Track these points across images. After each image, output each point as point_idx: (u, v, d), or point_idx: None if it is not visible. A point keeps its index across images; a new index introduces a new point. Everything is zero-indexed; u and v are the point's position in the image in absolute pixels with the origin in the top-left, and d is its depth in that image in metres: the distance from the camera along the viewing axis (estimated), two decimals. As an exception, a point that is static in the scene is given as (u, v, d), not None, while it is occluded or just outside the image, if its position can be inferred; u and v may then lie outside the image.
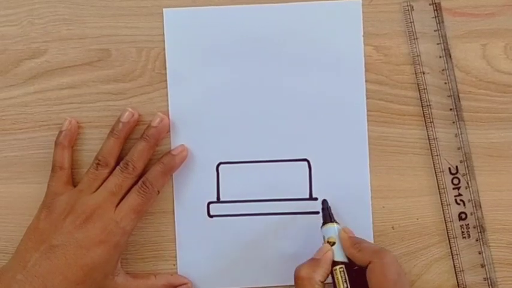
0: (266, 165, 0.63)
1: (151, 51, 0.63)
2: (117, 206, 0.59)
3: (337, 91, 0.62)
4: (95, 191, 0.60)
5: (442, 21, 0.61)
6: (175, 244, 0.63)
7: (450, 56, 0.61)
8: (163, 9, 0.62)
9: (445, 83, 0.61)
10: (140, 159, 0.61)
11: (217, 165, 0.63)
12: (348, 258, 0.58)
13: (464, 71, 0.62)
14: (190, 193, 0.63)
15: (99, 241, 0.58)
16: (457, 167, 0.61)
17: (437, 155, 0.61)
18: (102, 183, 0.60)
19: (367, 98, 0.62)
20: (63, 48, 0.63)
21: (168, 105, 0.63)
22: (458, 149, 0.61)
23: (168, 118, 0.62)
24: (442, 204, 0.62)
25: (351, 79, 0.62)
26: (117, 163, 0.61)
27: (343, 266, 0.57)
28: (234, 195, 0.63)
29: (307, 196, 0.63)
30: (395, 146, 0.62)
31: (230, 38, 0.62)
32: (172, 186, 0.63)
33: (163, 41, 0.62)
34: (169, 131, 0.62)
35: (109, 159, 0.61)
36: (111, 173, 0.61)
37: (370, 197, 0.62)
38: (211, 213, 0.63)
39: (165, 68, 0.63)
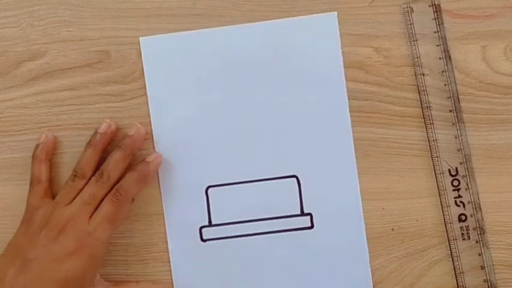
0: (255, 185, 0.63)
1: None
2: (91, 216, 0.59)
3: (319, 105, 0.62)
4: (70, 203, 0.60)
5: (442, 23, 0.61)
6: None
7: (450, 58, 0.61)
8: (140, 39, 0.62)
9: (445, 85, 0.61)
10: (115, 169, 0.60)
11: (206, 189, 0.63)
12: None
13: (464, 72, 0.62)
14: (181, 218, 0.63)
15: (72, 253, 0.57)
16: (456, 168, 0.61)
17: (437, 157, 0.61)
18: (77, 195, 0.60)
19: (367, 100, 0.62)
20: (63, 49, 0.63)
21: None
22: (458, 150, 0.61)
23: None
24: (441, 206, 0.62)
25: (332, 92, 0.62)
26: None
27: None
28: (225, 217, 0.63)
29: (299, 212, 0.62)
30: (395, 147, 0.62)
31: (208, 61, 0.62)
32: (164, 213, 0.63)
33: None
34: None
35: (86, 171, 0.60)
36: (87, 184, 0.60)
37: (361, 207, 0.62)
38: (204, 237, 0.63)
39: (165, 70, 0.63)
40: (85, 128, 0.63)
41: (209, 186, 0.63)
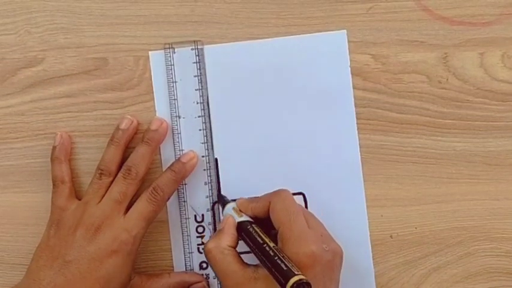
0: None
1: (149, 60, 0.63)
2: (125, 213, 0.59)
3: (327, 122, 0.62)
4: (100, 201, 0.59)
5: (204, 67, 0.62)
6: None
7: (208, 103, 0.61)
8: (149, 53, 0.62)
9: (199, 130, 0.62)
10: (142, 164, 0.60)
11: (213, 204, 0.62)
12: (253, 219, 0.57)
13: (462, 79, 0.62)
14: (187, 233, 0.62)
15: (112, 251, 0.58)
16: (203, 215, 0.62)
17: (184, 202, 0.60)
18: (105, 192, 0.60)
19: (364, 107, 0.62)
20: (61, 57, 0.63)
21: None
22: (207, 197, 0.62)
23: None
24: (184, 252, 0.62)
25: (340, 110, 0.62)
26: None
27: (249, 222, 0.57)
28: None
29: None
30: (393, 154, 0.62)
31: (216, 76, 0.62)
32: (169, 224, 0.63)
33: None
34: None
35: (111, 168, 0.60)
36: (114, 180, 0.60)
37: (367, 226, 0.62)
38: None
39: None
40: (82, 135, 0.63)
41: (215, 202, 0.62)
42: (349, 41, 0.62)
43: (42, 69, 0.63)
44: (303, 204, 0.62)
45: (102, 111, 0.63)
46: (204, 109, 0.62)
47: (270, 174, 0.62)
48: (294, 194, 0.62)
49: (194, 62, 0.62)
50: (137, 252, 0.60)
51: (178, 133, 0.62)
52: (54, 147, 0.62)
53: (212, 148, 0.62)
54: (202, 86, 0.62)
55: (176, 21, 0.63)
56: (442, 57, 0.62)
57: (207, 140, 0.62)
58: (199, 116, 0.62)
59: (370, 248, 0.62)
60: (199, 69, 0.62)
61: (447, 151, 0.62)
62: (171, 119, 0.62)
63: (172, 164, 0.61)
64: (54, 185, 0.61)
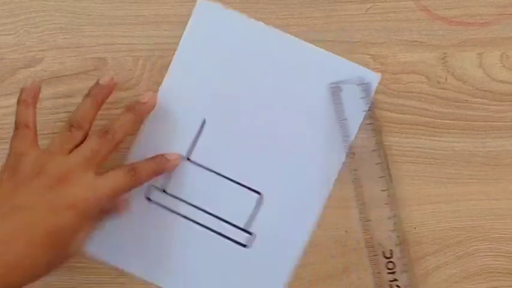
0: (221, 180, 0.62)
1: (148, 60, 0.63)
2: (95, 173, 0.55)
3: (311, 131, 0.62)
4: (67, 154, 0.56)
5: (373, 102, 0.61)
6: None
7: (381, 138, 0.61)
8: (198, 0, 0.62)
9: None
10: (122, 129, 0.57)
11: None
12: None
13: (460, 79, 0.62)
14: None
15: (70, 205, 0.53)
16: (391, 251, 0.61)
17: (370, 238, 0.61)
18: (74, 147, 0.56)
19: (364, 107, 0.62)
20: (60, 57, 0.63)
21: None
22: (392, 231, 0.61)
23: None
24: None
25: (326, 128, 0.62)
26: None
27: None
28: (179, 192, 0.62)
29: (243, 226, 0.62)
30: (392, 154, 0.62)
31: (236, 52, 0.62)
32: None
33: (160, 49, 0.62)
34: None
35: (83, 122, 0.57)
36: (85, 137, 0.57)
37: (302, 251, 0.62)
38: (151, 197, 0.62)
39: (162, 77, 0.62)
40: (81, 135, 0.63)
41: (189, 159, 0.62)
42: (348, 41, 0.62)
43: (41, 69, 0.63)
44: (254, 205, 0.62)
45: (100, 111, 0.62)
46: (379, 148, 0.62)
47: (245, 161, 0.62)
48: (253, 190, 0.62)
49: (361, 98, 0.61)
50: (98, 221, 0.57)
51: (354, 169, 0.61)
52: (22, 89, 0.58)
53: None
54: (373, 121, 0.61)
55: (175, 21, 0.63)
56: (441, 57, 0.62)
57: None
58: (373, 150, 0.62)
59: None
60: (368, 103, 0.61)
61: (446, 151, 0.62)
62: (346, 155, 0.62)
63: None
64: (16, 128, 0.57)
